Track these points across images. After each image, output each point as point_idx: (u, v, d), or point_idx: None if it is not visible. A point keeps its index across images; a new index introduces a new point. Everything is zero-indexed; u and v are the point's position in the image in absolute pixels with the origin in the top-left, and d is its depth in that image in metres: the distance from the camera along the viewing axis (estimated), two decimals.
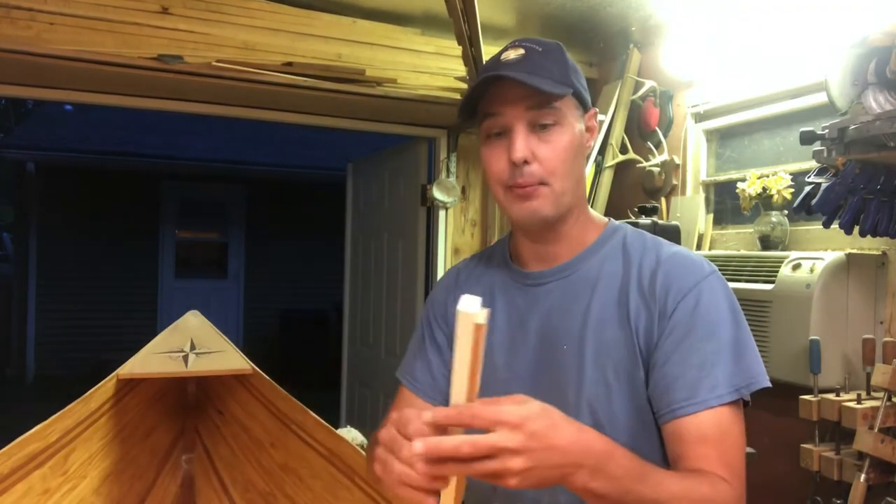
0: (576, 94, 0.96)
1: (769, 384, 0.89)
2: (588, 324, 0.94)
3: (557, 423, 0.70)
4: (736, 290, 1.02)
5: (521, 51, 0.94)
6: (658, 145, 2.80)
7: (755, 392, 0.89)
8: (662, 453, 0.91)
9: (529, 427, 0.67)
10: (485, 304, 0.97)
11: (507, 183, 0.95)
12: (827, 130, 1.82)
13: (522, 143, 0.92)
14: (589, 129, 1.00)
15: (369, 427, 2.80)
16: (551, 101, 0.92)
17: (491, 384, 0.95)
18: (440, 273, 3.27)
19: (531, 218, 0.95)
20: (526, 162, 0.92)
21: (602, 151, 2.94)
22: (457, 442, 0.65)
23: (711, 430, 0.85)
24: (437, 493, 0.68)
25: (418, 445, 0.65)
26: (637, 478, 0.75)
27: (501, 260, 1.08)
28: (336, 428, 2.03)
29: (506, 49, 0.97)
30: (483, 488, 0.98)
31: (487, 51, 2.54)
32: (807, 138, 1.89)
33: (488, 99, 0.94)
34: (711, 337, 0.88)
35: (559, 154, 0.93)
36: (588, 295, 0.96)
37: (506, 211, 0.99)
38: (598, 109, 1.04)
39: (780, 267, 2.08)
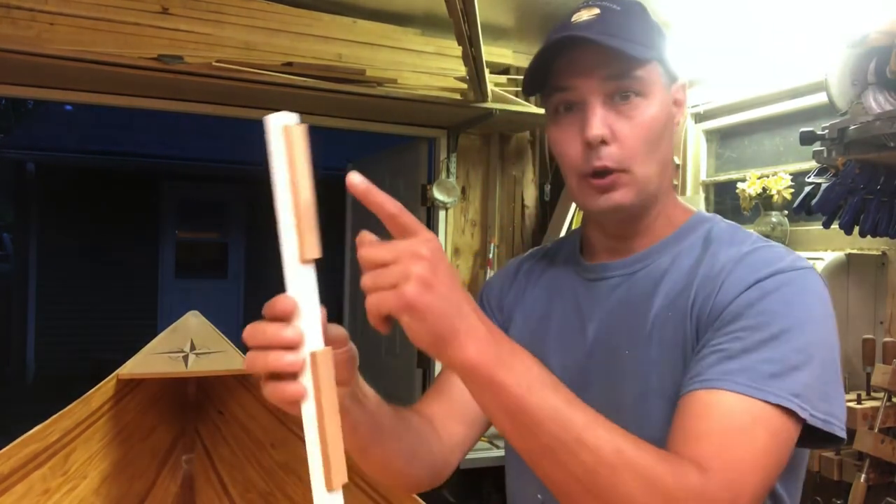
0: (661, 61, 0.81)
1: (828, 429, 0.69)
2: (652, 325, 0.79)
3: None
4: None
5: (596, 10, 0.80)
6: None
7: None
8: None
9: (436, 243, 0.59)
10: (544, 304, 0.90)
11: (583, 170, 0.80)
12: (827, 130, 1.82)
13: (599, 120, 0.77)
14: (677, 104, 0.84)
15: None
16: (634, 68, 0.78)
17: None
18: None
19: (611, 212, 0.82)
20: (604, 142, 0.78)
21: None
22: (383, 198, 0.58)
23: (724, 413, 0.67)
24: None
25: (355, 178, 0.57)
26: (553, 390, 0.62)
27: (570, 252, 0.94)
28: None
29: (577, 9, 0.82)
30: (529, 499, 0.89)
31: (487, 51, 2.54)
32: (807, 138, 1.89)
33: (557, 69, 0.80)
34: (762, 328, 0.70)
35: (642, 132, 0.79)
36: (651, 293, 0.81)
37: (581, 204, 0.85)
38: (687, 82, 0.88)
39: None
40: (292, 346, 0.56)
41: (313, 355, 0.55)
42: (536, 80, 0.83)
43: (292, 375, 0.56)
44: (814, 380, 0.69)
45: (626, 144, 0.79)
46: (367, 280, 0.57)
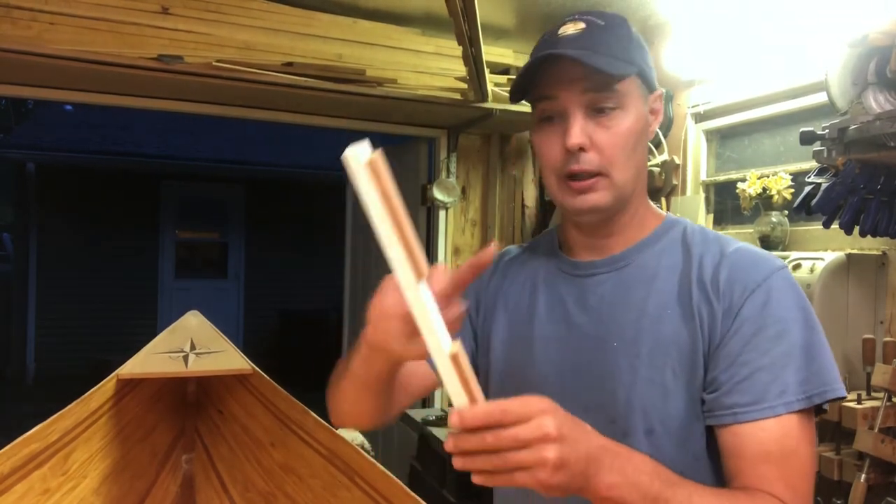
0: (640, 74, 0.87)
1: (844, 393, 0.81)
2: (643, 319, 0.85)
3: (575, 418, 0.66)
4: None
5: (581, 25, 0.85)
6: (658, 145, 2.79)
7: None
8: (712, 463, 0.84)
9: (559, 414, 0.62)
10: (527, 296, 0.96)
11: (562, 172, 0.86)
12: (827, 130, 1.82)
13: (579, 129, 0.83)
14: (653, 112, 0.91)
15: None
16: (612, 82, 0.83)
17: (530, 381, 0.90)
18: None
19: (588, 212, 0.88)
20: (582, 149, 0.84)
21: None
22: (487, 410, 0.60)
23: (775, 443, 0.77)
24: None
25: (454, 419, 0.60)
26: (664, 484, 0.70)
27: (549, 248, 1.00)
28: (336, 428, 2.03)
29: (564, 22, 0.87)
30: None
31: (487, 51, 2.54)
32: (807, 138, 1.89)
33: (543, 79, 0.85)
34: (782, 337, 0.80)
35: (619, 141, 0.85)
36: (645, 289, 0.87)
37: (559, 203, 0.90)
38: (664, 91, 0.95)
39: None
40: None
41: (454, 356, 0.59)
42: (522, 88, 0.89)
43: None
44: (823, 365, 0.80)
45: (605, 152, 0.85)
46: (495, 462, 0.61)
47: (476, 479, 0.63)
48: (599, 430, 0.69)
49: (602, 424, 0.73)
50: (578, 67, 0.82)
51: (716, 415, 0.80)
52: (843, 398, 0.82)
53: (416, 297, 0.58)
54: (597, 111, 0.84)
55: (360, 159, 0.55)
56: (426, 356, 0.63)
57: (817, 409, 0.81)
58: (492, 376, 0.97)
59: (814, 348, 0.81)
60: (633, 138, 0.86)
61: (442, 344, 0.59)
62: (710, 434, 0.82)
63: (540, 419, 0.61)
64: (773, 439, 0.77)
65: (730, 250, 0.86)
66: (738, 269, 0.84)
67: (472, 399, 0.59)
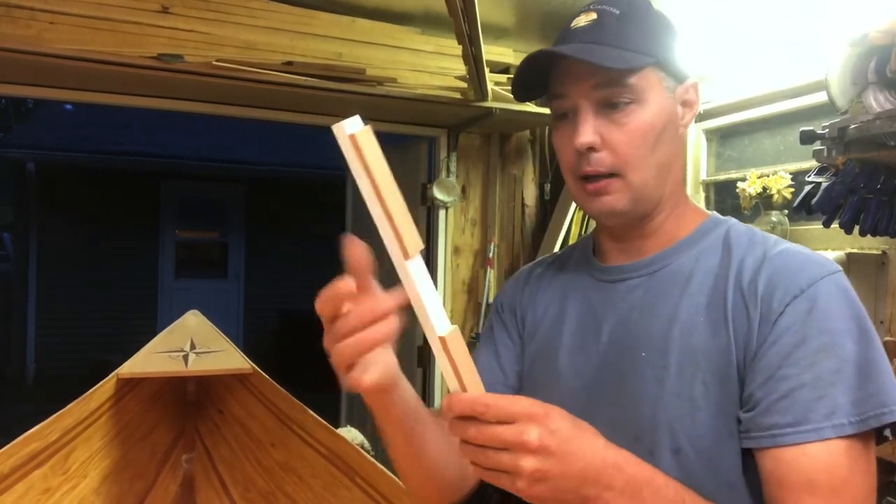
0: (661, 64, 0.80)
1: None
2: (674, 328, 0.77)
3: (585, 430, 0.62)
4: None
5: (594, 15, 0.80)
6: None
7: None
8: (749, 491, 0.73)
9: (551, 424, 0.59)
10: (557, 306, 0.92)
11: (577, 173, 0.81)
12: (827, 130, 1.82)
13: (587, 128, 0.78)
14: (685, 104, 0.84)
15: (369, 427, 2.80)
16: (625, 76, 0.77)
17: (554, 393, 0.84)
18: (441, 273, 3.27)
19: (605, 216, 0.82)
20: (593, 149, 0.79)
21: None
22: (471, 399, 0.58)
23: (822, 472, 0.66)
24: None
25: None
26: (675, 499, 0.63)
27: (582, 255, 0.94)
28: (336, 428, 2.03)
29: (578, 13, 0.83)
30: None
31: (487, 50, 2.54)
32: (807, 138, 1.89)
33: (553, 76, 0.82)
34: (830, 351, 0.69)
35: (634, 139, 0.78)
36: (677, 295, 0.80)
37: (579, 205, 0.86)
38: (698, 81, 0.88)
39: None
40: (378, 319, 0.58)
41: (442, 340, 0.57)
42: (530, 86, 0.85)
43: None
44: (882, 383, 0.70)
45: (618, 151, 0.79)
46: (478, 456, 0.59)
47: (474, 470, 0.61)
48: (624, 448, 0.65)
49: (627, 442, 0.68)
50: (586, 63, 0.77)
51: (752, 436, 0.71)
52: None
53: (405, 274, 0.57)
54: (609, 107, 0.79)
55: (346, 131, 0.55)
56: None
57: (878, 436, 0.71)
58: (523, 391, 0.92)
59: (870, 365, 0.69)
60: (652, 134, 0.79)
61: (434, 326, 0.57)
62: (748, 458, 0.73)
63: (524, 425, 0.57)
64: (820, 467, 0.67)
65: (774, 252, 0.77)
66: (780, 272, 0.74)
67: (462, 386, 0.58)
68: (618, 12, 0.80)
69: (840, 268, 0.76)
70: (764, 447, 0.70)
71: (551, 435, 0.58)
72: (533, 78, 0.84)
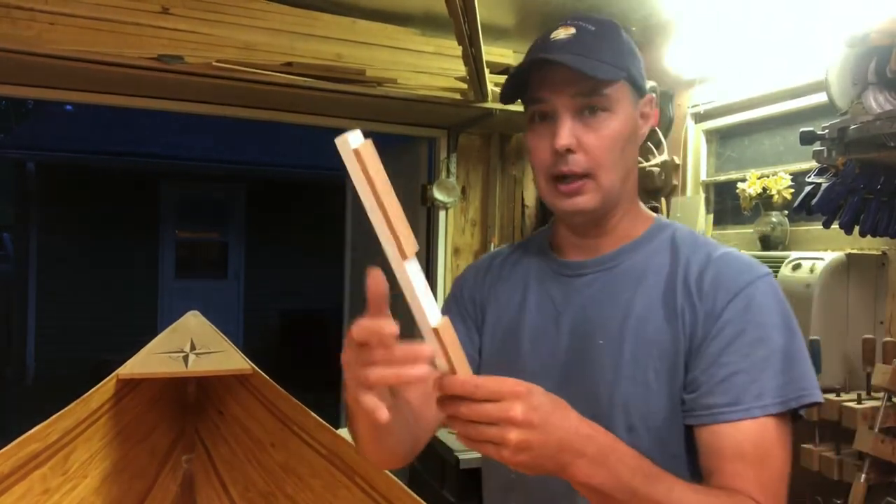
0: (630, 79, 0.89)
1: (821, 399, 0.83)
2: (629, 319, 0.88)
3: (561, 406, 0.69)
4: None
5: (572, 30, 0.88)
6: (658, 145, 2.79)
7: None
8: (689, 460, 0.86)
9: (533, 401, 0.66)
10: (518, 294, 0.98)
11: (551, 172, 0.89)
12: (827, 130, 1.82)
13: (567, 131, 0.86)
14: (644, 117, 0.94)
15: None
16: (601, 86, 0.86)
17: (516, 376, 0.88)
18: (441, 273, 3.28)
19: (576, 214, 0.91)
20: (570, 151, 0.87)
21: None
22: (463, 381, 0.64)
23: (751, 444, 0.79)
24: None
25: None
26: (646, 478, 0.72)
27: (539, 249, 1.02)
28: (336, 428, 2.03)
29: (556, 27, 0.90)
30: (502, 475, 0.96)
31: (487, 50, 2.54)
32: (807, 138, 1.89)
33: (534, 82, 0.89)
34: (762, 342, 0.82)
35: (606, 143, 0.87)
36: (632, 289, 0.90)
37: (549, 204, 0.93)
38: (655, 95, 0.96)
39: (780, 267, 2.08)
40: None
41: (436, 330, 0.63)
42: (514, 90, 0.92)
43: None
44: (802, 371, 0.82)
45: (592, 154, 0.87)
46: (469, 430, 0.65)
47: (459, 439, 0.68)
48: None
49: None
50: (568, 71, 0.84)
51: (695, 414, 0.83)
52: (819, 404, 0.83)
53: (402, 273, 0.62)
54: (585, 114, 0.87)
55: (350, 146, 0.59)
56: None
57: (795, 415, 0.83)
58: (483, 370, 0.99)
59: (793, 354, 0.82)
60: (620, 141, 0.88)
61: (428, 318, 0.63)
62: (689, 433, 0.85)
63: (509, 402, 0.64)
64: (749, 440, 0.79)
65: (716, 254, 0.88)
66: (722, 273, 0.86)
67: (453, 370, 0.64)
68: (593, 29, 0.88)
69: (770, 270, 0.88)
70: (704, 424, 0.82)
71: (533, 410, 0.65)
72: (515, 82, 0.91)
